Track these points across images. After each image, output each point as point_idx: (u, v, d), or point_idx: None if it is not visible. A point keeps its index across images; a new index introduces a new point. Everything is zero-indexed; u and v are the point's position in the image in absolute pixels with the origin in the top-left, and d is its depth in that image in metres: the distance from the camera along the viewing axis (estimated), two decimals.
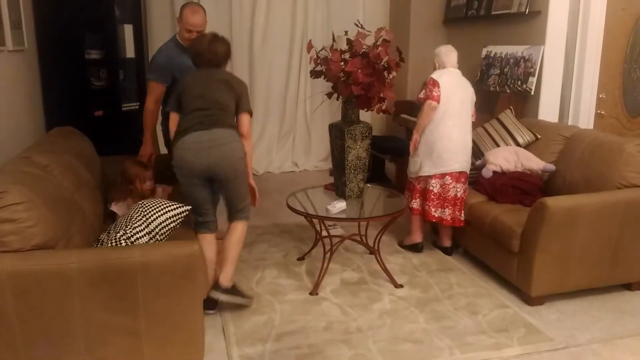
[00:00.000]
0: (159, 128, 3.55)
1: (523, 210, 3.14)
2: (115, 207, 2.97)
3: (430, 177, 3.45)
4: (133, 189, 3.02)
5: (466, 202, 3.47)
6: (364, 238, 3.49)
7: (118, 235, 2.23)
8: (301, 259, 3.55)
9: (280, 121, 6.07)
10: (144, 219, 2.41)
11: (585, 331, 2.72)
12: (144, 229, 2.36)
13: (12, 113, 3.31)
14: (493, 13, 4.82)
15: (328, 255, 3.16)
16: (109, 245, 2.21)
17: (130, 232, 2.27)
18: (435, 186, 3.45)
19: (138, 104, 4.98)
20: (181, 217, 2.57)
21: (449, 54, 3.55)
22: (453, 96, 3.38)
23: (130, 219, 2.38)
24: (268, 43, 5.78)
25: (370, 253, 3.48)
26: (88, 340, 2.10)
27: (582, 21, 4.20)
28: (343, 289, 3.14)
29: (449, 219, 3.47)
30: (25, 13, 3.72)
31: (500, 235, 3.10)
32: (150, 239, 2.39)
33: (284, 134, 6.12)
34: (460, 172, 3.44)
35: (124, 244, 2.20)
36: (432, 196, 3.45)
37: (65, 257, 2.03)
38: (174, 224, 2.53)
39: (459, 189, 3.45)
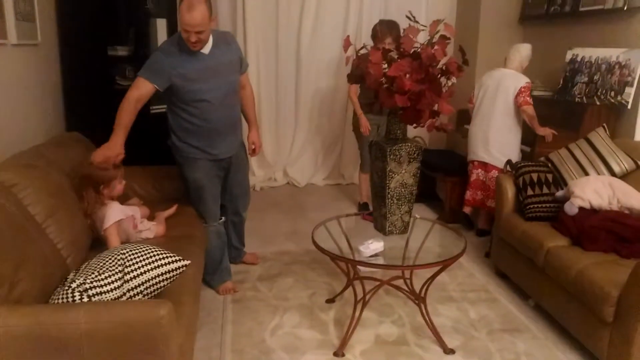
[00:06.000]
0: None
1: (621, 265, 2.38)
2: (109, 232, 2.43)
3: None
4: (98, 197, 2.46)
5: (543, 244, 2.74)
6: (408, 282, 2.82)
7: (74, 285, 1.70)
8: (330, 300, 2.94)
9: (328, 128, 5.49)
10: (119, 270, 1.78)
11: None
12: (117, 284, 1.74)
13: (15, 114, 2.93)
14: (581, 9, 4.01)
15: (360, 304, 2.53)
16: (59, 299, 1.68)
17: (92, 283, 1.71)
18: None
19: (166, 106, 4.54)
20: (177, 274, 1.92)
21: (511, 53, 3.84)
22: (483, 95, 3.90)
23: (100, 267, 1.80)
24: (317, 43, 5.19)
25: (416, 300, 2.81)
26: None
27: None
28: (377, 349, 2.49)
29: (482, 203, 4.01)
30: (46, 5, 3.45)
31: (588, 297, 2.35)
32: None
33: (331, 142, 5.53)
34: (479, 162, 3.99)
35: (77, 299, 1.67)
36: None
37: None
38: (165, 282, 1.89)
39: (480, 175, 4.01)
